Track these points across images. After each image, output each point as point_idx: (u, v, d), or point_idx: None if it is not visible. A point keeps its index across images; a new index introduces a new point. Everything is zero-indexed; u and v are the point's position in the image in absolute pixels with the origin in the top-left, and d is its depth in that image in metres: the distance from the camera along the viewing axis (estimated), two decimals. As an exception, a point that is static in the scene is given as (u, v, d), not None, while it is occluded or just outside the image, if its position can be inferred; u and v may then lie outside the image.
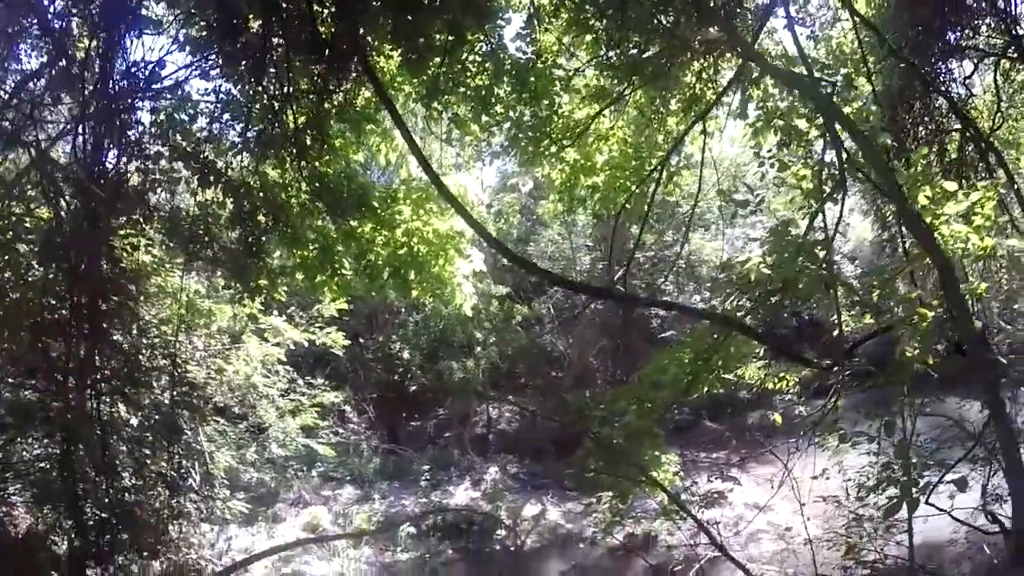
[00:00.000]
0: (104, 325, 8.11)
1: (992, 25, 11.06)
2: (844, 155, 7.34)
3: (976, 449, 8.17)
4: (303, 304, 17.35)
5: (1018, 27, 10.19)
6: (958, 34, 11.16)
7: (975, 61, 11.63)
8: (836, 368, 7.74)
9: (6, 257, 7.78)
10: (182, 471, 10.50)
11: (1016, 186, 10.40)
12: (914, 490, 6.09)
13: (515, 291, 26.75)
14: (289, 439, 15.21)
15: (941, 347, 7.48)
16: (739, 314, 7.65)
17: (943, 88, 11.25)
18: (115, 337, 8.41)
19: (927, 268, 8.23)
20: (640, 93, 11.16)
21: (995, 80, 11.28)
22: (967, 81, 11.95)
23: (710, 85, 10.99)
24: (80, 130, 8.43)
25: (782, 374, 10.64)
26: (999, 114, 11.52)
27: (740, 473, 9.63)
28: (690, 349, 8.90)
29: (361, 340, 25.82)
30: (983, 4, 10.81)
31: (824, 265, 6.81)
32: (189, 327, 11.92)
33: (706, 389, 9.16)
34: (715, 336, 8.23)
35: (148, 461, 9.53)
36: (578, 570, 18.37)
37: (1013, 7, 10.51)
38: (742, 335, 7.87)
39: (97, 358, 7.98)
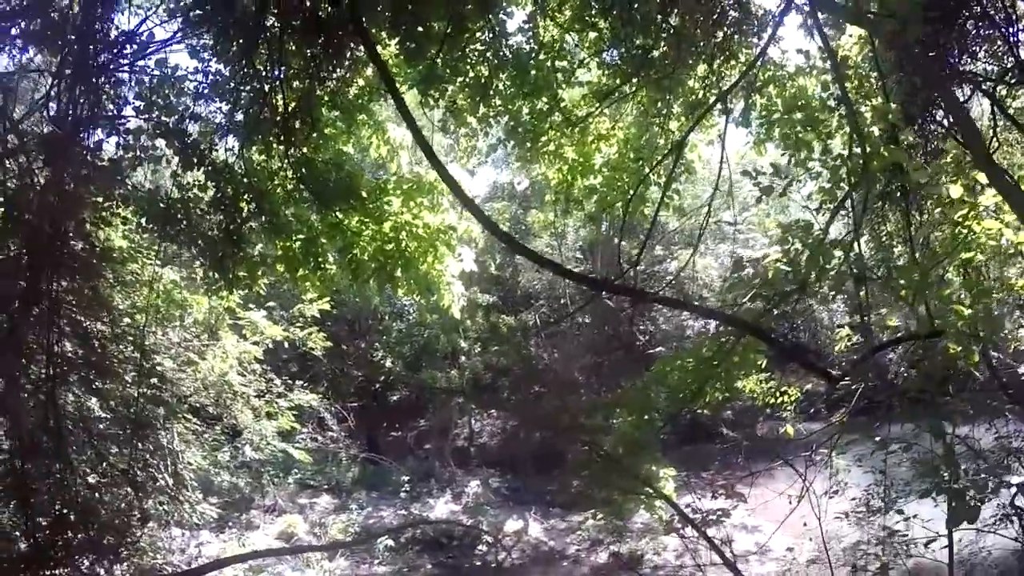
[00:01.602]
0: (70, 306, 7.52)
1: (990, 51, 10.78)
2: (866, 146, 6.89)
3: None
4: (284, 303, 16.86)
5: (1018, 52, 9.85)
6: (957, 59, 10.89)
7: (971, 87, 11.36)
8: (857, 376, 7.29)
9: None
10: (149, 470, 9.91)
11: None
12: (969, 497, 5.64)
13: (501, 302, 26.35)
14: (265, 443, 14.60)
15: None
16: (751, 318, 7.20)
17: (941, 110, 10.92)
18: (80, 320, 7.79)
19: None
20: (643, 94, 10.76)
21: (992, 106, 10.97)
22: (964, 104, 11.67)
23: (714, 91, 10.56)
24: (56, 95, 7.89)
25: (784, 388, 10.25)
26: (994, 138, 11.28)
27: (746, 489, 9.09)
28: (694, 356, 8.46)
29: (343, 347, 25.29)
30: (983, 30, 10.51)
31: (853, 259, 6.35)
32: (164, 318, 11.39)
33: (709, 399, 8.71)
34: (723, 341, 7.79)
35: (112, 457, 8.90)
36: (561, 589, 17.92)
37: (1014, 34, 10.20)
38: (753, 338, 7.40)
39: (59, 342, 7.36)
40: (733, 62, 10.23)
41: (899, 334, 7.62)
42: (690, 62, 10.10)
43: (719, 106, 10.32)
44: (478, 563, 19.00)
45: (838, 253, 6.64)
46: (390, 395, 29.13)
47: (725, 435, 23.36)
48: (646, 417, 8.67)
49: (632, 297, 9.14)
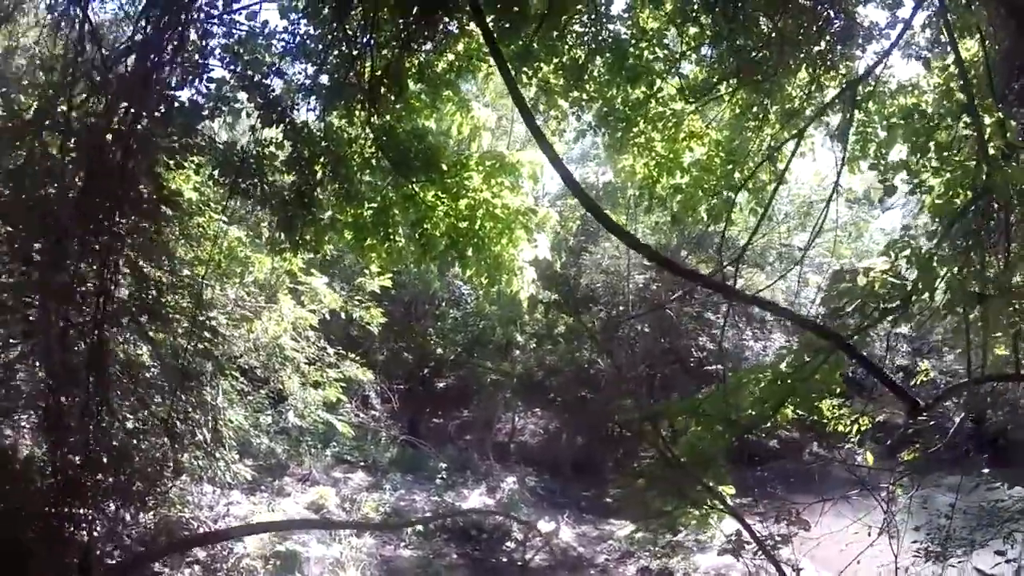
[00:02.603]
0: (130, 248, 7.35)
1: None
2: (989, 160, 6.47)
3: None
4: (346, 276, 16.68)
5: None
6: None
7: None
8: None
9: (36, 144, 7.04)
10: (189, 423, 9.74)
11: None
12: None
13: (562, 301, 25.95)
14: (309, 411, 14.41)
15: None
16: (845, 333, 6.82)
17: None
18: (139, 264, 7.62)
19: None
20: (740, 96, 10.37)
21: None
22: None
23: (812, 102, 10.24)
24: (142, 39, 7.73)
25: (859, 414, 9.73)
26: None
27: (812, 517, 8.60)
28: (774, 370, 8.04)
29: (396, 328, 25.11)
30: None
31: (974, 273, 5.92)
32: (224, 274, 11.23)
33: (785, 418, 8.31)
34: (808, 358, 7.39)
35: (154, 406, 8.75)
36: (585, 598, 17.52)
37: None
38: (836, 360, 6.99)
39: (115, 282, 7.17)
40: (833, 73, 9.83)
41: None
42: (791, 67, 9.70)
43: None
44: (504, 559, 18.73)
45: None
46: (437, 382, 29.02)
47: (766, 461, 22.70)
48: (718, 428, 8.23)
49: (728, 294, 8.70)
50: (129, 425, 8.81)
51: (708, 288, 9.42)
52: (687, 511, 8.52)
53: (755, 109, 10.32)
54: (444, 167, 9.36)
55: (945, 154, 7.63)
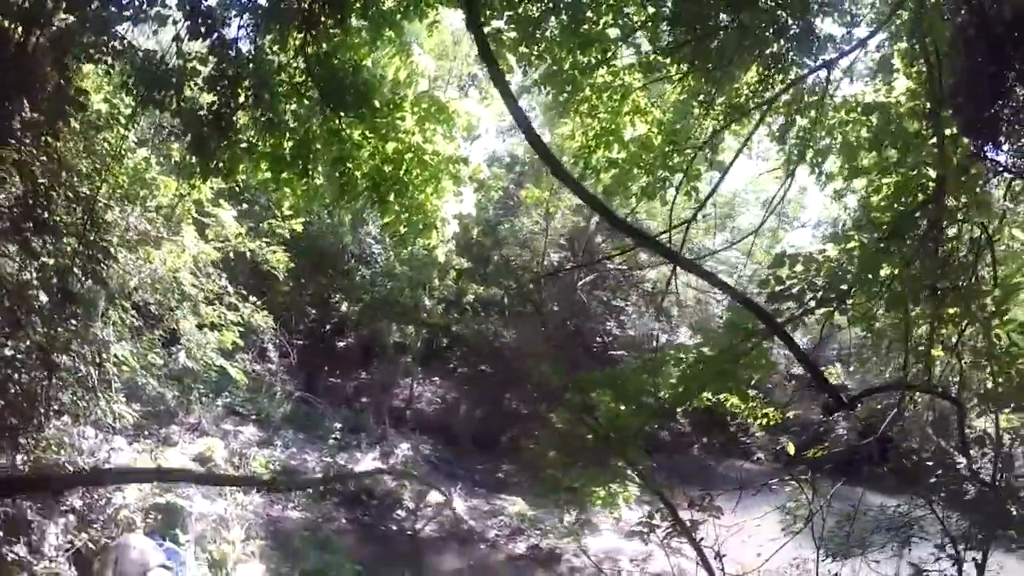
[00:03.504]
0: (21, 141, 6.45)
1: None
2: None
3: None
4: (254, 217, 15.82)
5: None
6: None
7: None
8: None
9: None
10: (72, 355, 8.86)
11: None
12: None
13: (476, 270, 25.48)
14: (203, 353, 13.46)
15: None
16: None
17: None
18: (29, 161, 6.70)
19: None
20: (689, 80, 10.06)
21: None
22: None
23: (758, 99, 10.12)
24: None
25: (768, 410, 9.55)
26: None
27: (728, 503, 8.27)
28: (698, 352, 7.69)
29: (301, 280, 24.21)
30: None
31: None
32: (126, 196, 10.30)
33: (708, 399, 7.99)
34: (738, 341, 7.06)
35: (35, 334, 7.83)
36: (474, 572, 17.12)
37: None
38: (780, 341, 6.70)
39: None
40: (782, 77, 9.72)
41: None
42: (744, 62, 9.47)
43: (755, 116, 10.03)
44: (394, 528, 18.36)
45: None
46: (338, 340, 28.36)
47: (657, 451, 22.65)
48: (644, 401, 7.83)
49: (673, 258, 8.30)
50: (6, 352, 7.95)
51: (654, 251, 9.05)
52: (595, 489, 8.09)
53: (702, 97, 10.10)
54: (377, 104, 8.66)
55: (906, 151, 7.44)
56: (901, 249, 6.90)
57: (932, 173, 6.93)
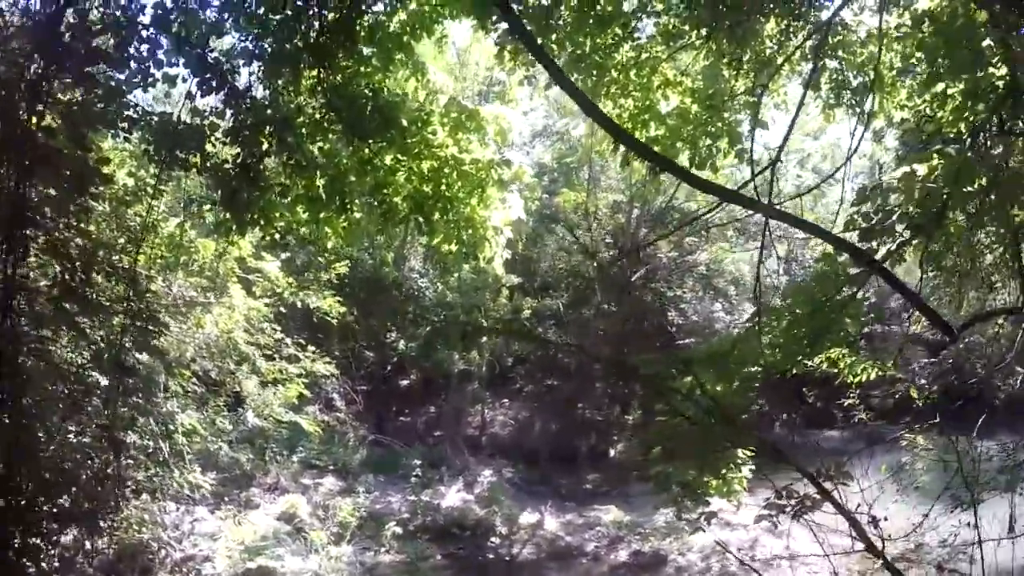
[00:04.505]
0: (46, 218, 6.24)
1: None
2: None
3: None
4: (296, 270, 15.66)
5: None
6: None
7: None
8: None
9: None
10: (138, 431, 8.67)
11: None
12: None
13: (525, 284, 25.14)
14: (270, 410, 13.24)
15: None
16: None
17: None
18: (60, 240, 6.48)
19: None
20: (713, 43, 9.70)
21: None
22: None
23: (783, 50, 9.96)
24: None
25: (867, 363, 8.98)
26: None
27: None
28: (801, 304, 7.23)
29: (353, 327, 24.08)
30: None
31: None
32: (166, 266, 10.16)
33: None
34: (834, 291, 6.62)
35: (96, 415, 7.63)
36: (579, 589, 16.72)
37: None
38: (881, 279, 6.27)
39: (23, 258, 6.06)
40: (802, 23, 9.63)
41: None
42: (762, 15, 9.31)
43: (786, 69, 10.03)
44: (491, 555, 17.96)
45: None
46: (400, 379, 28.22)
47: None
48: (750, 371, 7.35)
49: (759, 210, 7.90)
50: (69, 438, 7.77)
51: (736, 204, 8.57)
52: (710, 477, 7.57)
53: (727, 59, 9.81)
54: (404, 123, 8.42)
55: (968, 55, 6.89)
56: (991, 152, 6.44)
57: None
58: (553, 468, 23.72)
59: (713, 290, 27.68)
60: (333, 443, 20.71)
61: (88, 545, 8.57)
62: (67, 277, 6.40)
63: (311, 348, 13.84)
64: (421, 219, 8.82)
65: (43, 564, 7.32)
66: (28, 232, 5.91)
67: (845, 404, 11.59)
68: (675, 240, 25.06)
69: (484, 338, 23.07)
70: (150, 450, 9.40)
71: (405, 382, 28.53)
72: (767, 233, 9.53)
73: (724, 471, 7.42)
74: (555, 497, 21.67)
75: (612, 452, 26.49)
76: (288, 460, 18.08)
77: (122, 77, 7.28)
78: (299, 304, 13.70)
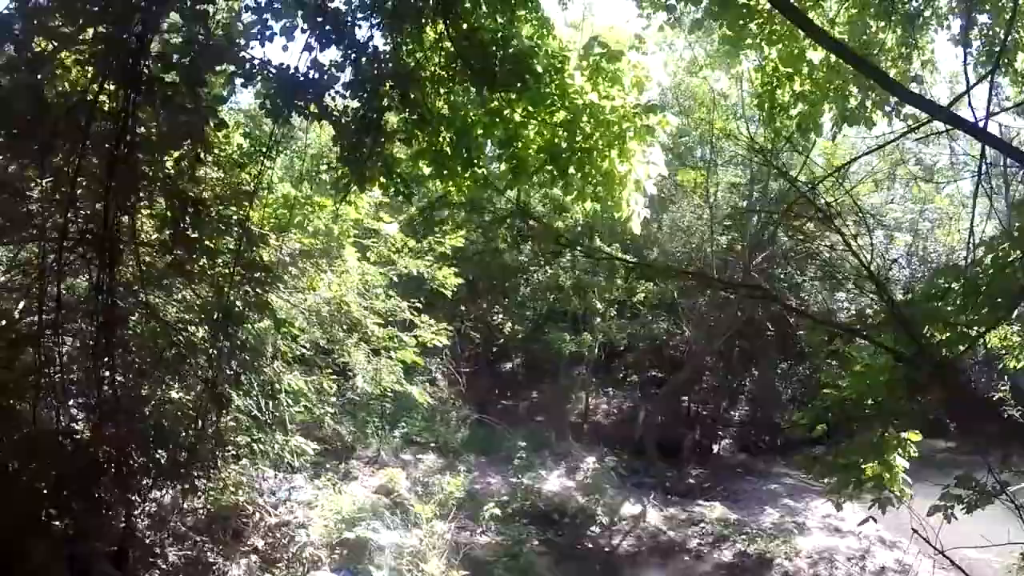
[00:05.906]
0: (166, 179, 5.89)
1: None
2: None
3: None
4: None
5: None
6: None
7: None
8: None
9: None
10: (241, 392, 8.35)
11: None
12: None
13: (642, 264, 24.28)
14: (380, 378, 12.82)
15: None
16: None
17: None
18: (173, 183, 6.14)
19: None
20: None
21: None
22: None
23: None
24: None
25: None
26: None
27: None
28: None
29: (462, 307, 23.78)
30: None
31: None
32: (280, 227, 9.83)
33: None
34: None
35: (193, 363, 7.29)
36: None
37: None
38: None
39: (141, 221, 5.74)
40: None
41: None
42: None
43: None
44: (589, 545, 17.57)
45: None
46: (504, 364, 28.13)
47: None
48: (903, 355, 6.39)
49: (972, 132, 7.00)
50: (173, 395, 7.49)
51: (941, 119, 7.57)
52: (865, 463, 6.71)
53: (872, 10, 9.15)
54: (539, 69, 7.87)
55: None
56: None
57: None
58: (656, 460, 23.00)
59: (832, 279, 26.24)
60: (435, 421, 20.55)
61: (183, 503, 8.40)
62: (176, 218, 6.05)
63: (425, 317, 13.41)
64: (555, 172, 8.28)
65: (135, 519, 7.10)
66: (134, 162, 5.51)
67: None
68: (797, 224, 23.75)
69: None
70: (252, 412, 9.09)
71: (508, 365, 28.49)
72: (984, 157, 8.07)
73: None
74: (658, 490, 21.09)
75: (716, 448, 25.67)
76: (389, 435, 17.95)
77: (240, 27, 7.06)
78: (414, 272, 13.25)
